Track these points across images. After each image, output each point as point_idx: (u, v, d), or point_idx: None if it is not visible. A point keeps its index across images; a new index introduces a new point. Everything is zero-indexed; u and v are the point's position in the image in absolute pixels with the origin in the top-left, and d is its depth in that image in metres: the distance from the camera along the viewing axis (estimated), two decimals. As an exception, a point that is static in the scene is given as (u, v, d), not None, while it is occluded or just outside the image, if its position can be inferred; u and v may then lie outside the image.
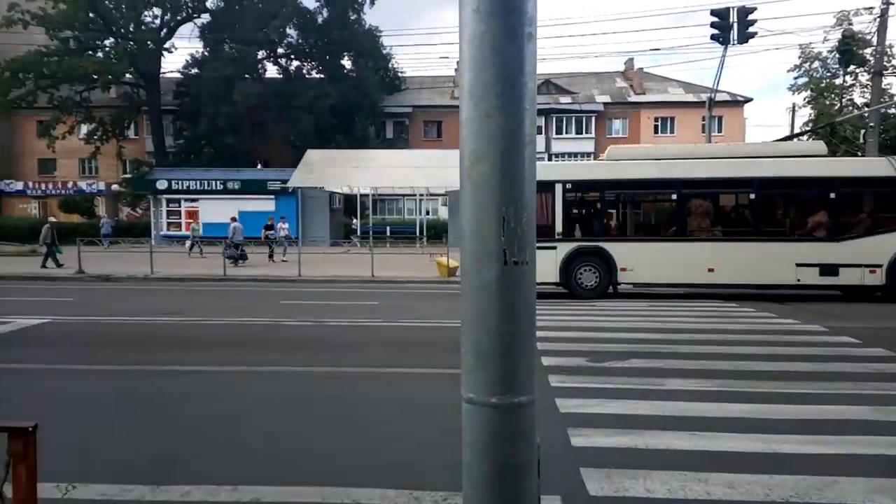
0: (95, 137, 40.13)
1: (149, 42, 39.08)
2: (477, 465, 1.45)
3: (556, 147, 43.89)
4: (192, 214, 34.77)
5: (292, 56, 44.05)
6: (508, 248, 1.40)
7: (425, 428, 5.16)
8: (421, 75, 48.14)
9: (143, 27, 40.00)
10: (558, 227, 13.39)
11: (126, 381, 6.90)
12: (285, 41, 42.71)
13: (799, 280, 12.84)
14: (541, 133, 42.69)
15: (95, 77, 38.05)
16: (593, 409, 5.44)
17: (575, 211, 13.80)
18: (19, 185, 47.04)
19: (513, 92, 1.37)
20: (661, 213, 14.47)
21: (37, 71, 37.67)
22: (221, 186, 35.02)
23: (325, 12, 43.19)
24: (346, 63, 44.26)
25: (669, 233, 13.58)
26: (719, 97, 31.58)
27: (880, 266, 12.55)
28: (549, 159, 40.92)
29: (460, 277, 1.47)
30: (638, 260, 13.24)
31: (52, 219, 24.07)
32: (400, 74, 47.81)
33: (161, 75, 41.82)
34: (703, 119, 34.74)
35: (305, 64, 44.29)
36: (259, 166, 39.71)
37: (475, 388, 1.45)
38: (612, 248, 13.32)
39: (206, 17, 42.52)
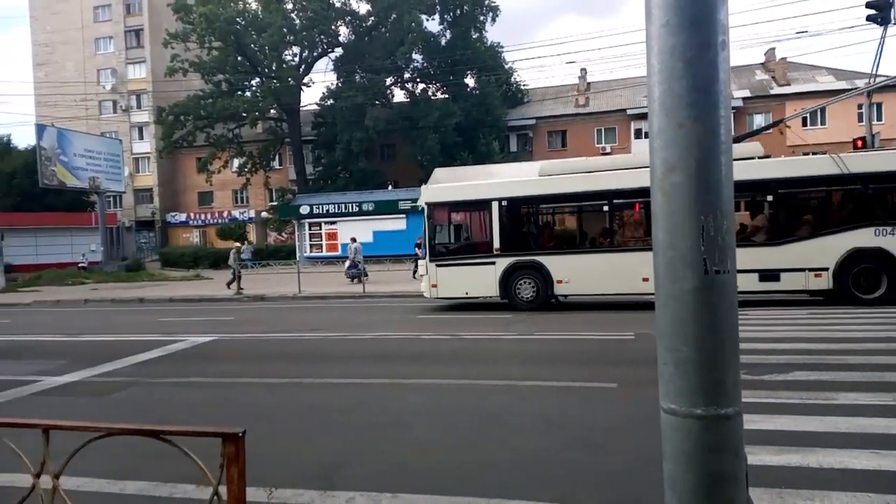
0: (246, 170, 43.82)
1: (290, 79, 42.21)
2: (681, 477, 1.43)
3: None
4: (331, 235, 36.72)
5: (418, 79, 45.58)
6: (709, 257, 1.38)
7: (567, 441, 5.11)
8: (543, 86, 47.85)
9: (284, 66, 43.24)
10: (496, 243, 13.73)
11: (285, 392, 7.44)
12: (411, 66, 44.31)
13: (738, 287, 12.00)
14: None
15: (245, 115, 41.57)
16: (757, 425, 5.08)
17: (511, 227, 14.06)
18: (182, 217, 52.76)
19: (707, 101, 1.37)
20: (593, 225, 14.37)
21: (195, 113, 41.99)
22: (357, 208, 36.72)
23: (447, 34, 44.42)
24: (470, 81, 45.12)
25: (601, 244, 13.70)
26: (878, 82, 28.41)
27: (826, 269, 11.98)
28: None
29: (653, 287, 1.46)
30: (572, 272, 13.35)
31: (237, 245, 26.04)
32: (522, 87, 47.95)
33: (301, 108, 44.95)
34: (860, 108, 31.55)
35: (430, 86, 45.63)
36: (390, 187, 41.32)
37: (676, 398, 1.42)
38: (547, 261, 13.43)
39: (338, 51, 45.23)
